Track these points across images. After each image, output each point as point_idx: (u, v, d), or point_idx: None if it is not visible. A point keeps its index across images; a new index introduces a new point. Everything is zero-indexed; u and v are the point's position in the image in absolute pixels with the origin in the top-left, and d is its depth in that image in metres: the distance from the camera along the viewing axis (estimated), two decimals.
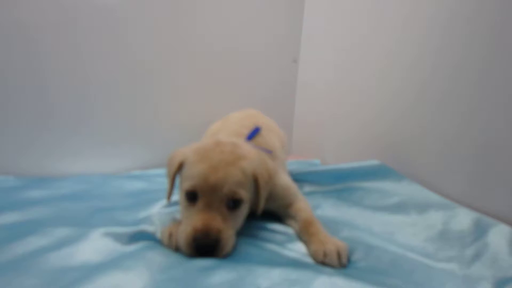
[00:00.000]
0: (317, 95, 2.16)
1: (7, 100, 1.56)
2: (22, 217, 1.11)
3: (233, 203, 0.97)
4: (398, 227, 1.17)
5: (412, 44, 1.53)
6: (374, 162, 1.57)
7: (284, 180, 1.26)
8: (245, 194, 0.98)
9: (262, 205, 1.06)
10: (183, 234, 0.91)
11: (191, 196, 0.96)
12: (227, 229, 0.93)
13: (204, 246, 0.88)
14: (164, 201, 1.27)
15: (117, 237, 0.96)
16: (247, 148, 1.09)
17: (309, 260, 0.95)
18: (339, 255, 0.93)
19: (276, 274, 0.81)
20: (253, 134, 1.31)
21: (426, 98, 1.48)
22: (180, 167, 1.03)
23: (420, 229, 1.15)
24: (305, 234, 1.06)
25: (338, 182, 1.56)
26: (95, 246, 0.90)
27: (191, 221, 0.92)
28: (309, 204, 1.25)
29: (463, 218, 1.16)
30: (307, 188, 1.58)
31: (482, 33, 1.25)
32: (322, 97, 2.12)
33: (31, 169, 1.64)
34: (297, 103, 2.33)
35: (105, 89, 1.77)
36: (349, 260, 0.96)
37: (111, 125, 1.81)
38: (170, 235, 0.98)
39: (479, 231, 1.09)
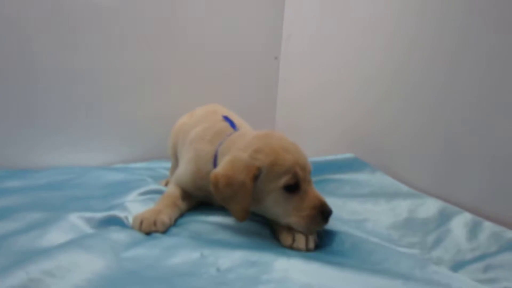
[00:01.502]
0: (296, 91, 2.20)
1: None
2: None
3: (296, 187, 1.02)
4: (366, 215, 1.21)
5: (383, 38, 1.57)
6: (348, 155, 1.61)
7: None
8: None
9: None
10: (303, 220, 0.97)
11: (292, 188, 0.99)
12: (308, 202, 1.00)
13: (330, 214, 0.99)
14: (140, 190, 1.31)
15: (87, 221, 0.99)
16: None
17: (272, 242, 0.98)
18: (307, 240, 0.96)
19: (238, 255, 0.84)
20: (232, 123, 1.32)
21: (396, 92, 1.52)
22: (256, 176, 0.99)
23: (387, 217, 1.18)
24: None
25: (314, 174, 1.59)
26: (63, 229, 0.92)
27: (305, 205, 0.98)
28: None
29: (429, 207, 1.19)
30: None
31: (451, 30, 1.29)
32: (300, 92, 2.16)
33: (17, 162, 1.66)
34: (278, 99, 2.36)
35: (89, 86, 1.79)
36: (316, 246, 0.98)
37: (94, 120, 1.84)
38: (141, 221, 1.01)
39: (442, 219, 1.12)
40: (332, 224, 1.11)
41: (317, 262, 0.81)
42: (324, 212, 0.98)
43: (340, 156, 1.62)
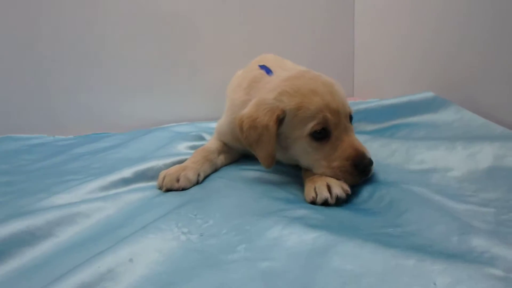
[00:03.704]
0: (376, 27, 1.85)
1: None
2: (50, 168, 1.22)
3: (351, 120, 0.93)
4: (435, 163, 0.94)
5: None
6: (427, 94, 1.28)
7: None
8: None
9: None
10: (335, 171, 0.84)
11: (321, 135, 0.86)
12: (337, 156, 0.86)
13: (368, 166, 0.85)
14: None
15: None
16: None
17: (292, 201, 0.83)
18: (330, 190, 0.80)
19: (234, 220, 0.73)
20: (267, 70, 1.18)
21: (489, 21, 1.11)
22: (280, 119, 0.89)
23: (464, 166, 0.89)
24: (305, 175, 0.93)
25: (385, 119, 1.34)
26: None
27: (337, 155, 0.85)
28: None
29: None
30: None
31: None
32: (381, 29, 1.81)
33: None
34: (356, 39, 2.04)
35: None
36: (350, 198, 0.82)
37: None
38: (164, 177, 0.97)
39: None
40: (384, 177, 0.90)
41: (321, 230, 0.64)
42: (359, 165, 0.82)
43: (416, 95, 1.30)
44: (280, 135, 0.90)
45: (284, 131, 0.90)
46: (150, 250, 0.62)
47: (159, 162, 1.08)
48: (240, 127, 0.92)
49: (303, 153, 0.90)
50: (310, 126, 0.85)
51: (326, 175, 0.86)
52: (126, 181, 1.00)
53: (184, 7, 1.86)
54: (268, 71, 1.15)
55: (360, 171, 0.83)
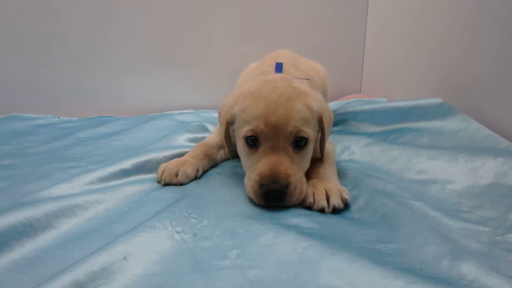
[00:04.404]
0: (388, 26, 1.81)
1: None
2: (52, 152, 1.24)
3: (299, 143, 0.85)
4: (435, 175, 0.93)
5: None
6: (435, 100, 1.25)
7: None
8: (311, 133, 0.86)
9: (324, 149, 0.94)
10: (249, 183, 0.83)
11: (252, 142, 0.86)
12: (296, 172, 0.82)
13: (274, 192, 0.77)
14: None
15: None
16: (304, 84, 0.97)
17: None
18: (328, 199, 0.80)
19: (228, 222, 0.74)
20: (279, 69, 1.16)
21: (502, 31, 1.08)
22: (234, 114, 0.92)
23: (464, 180, 0.89)
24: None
25: (390, 122, 1.32)
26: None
27: (256, 168, 0.83)
28: (332, 146, 1.11)
29: None
30: (354, 127, 1.41)
31: None
32: (392, 29, 1.77)
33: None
34: (367, 36, 2.00)
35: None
36: (348, 206, 0.82)
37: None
38: (163, 171, 0.98)
39: None
40: (382, 185, 0.90)
41: (310, 239, 0.64)
42: (264, 186, 0.78)
43: (424, 100, 1.28)
44: (234, 131, 0.95)
45: (235, 128, 0.93)
46: (145, 249, 0.63)
47: (159, 155, 1.08)
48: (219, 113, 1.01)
49: (240, 153, 0.93)
50: (245, 130, 0.86)
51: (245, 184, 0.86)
52: (125, 173, 1.00)
53: None
54: (279, 69, 1.14)
55: (263, 193, 0.78)
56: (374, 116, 1.39)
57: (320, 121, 0.90)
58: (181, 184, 0.96)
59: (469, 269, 0.51)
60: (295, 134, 0.84)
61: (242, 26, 1.91)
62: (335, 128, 1.45)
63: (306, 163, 0.89)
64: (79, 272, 0.56)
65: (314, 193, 0.82)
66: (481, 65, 1.21)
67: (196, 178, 1.01)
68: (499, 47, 1.12)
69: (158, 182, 0.98)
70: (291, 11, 1.93)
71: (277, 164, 0.80)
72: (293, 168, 0.81)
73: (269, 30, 1.93)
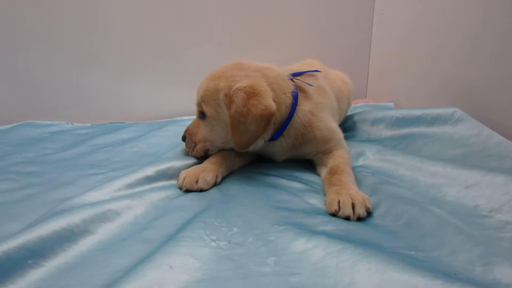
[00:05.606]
0: (394, 30, 1.85)
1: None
2: (72, 160, 1.26)
3: (202, 114, 1.08)
4: (450, 180, 0.96)
5: None
6: (449, 109, 1.28)
7: (327, 124, 1.14)
8: (208, 110, 1.05)
9: (234, 138, 1.00)
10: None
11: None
12: (197, 134, 1.12)
13: (183, 139, 1.17)
14: None
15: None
16: (253, 74, 1.03)
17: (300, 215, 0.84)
18: (353, 207, 0.83)
19: (256, 229, 0.76)
20: (297, 74, 1.19)
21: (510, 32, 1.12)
22: None
23: (483, 185, 0.91)
24: (326, 184, 0.96)
25: (404, 126, 1.36)
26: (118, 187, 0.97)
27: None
28: (349, 153, 1.14)
29: None
30: (365, 133, 1.44)
31: None
32: (398, 32, 1.81)
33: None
34: (373, 40, 2.04)
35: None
36: (370, 214, 0.85)
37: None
38: (184, 178, 1.01)
39: None
40: (399, 191, 0.93)
41: (343, 242, 0.67)
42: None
43: (435, 109, 1.31)
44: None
45: None
46: (186, 257, 0.65)
47: (180, 163, 1.10)
48: None
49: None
50: None
51: None
52: (149, 179, 1.02)
53: None
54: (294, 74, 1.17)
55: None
56: (385, 122, 1.42)
57: (229, 104, 0.99)
58: (201, 190, 0.99)
59: (503, 273, 0.54)
60: (199, 107, 1.08)
61: (250, 32, 1.94)
62: (346, 134, 1.48)
63: (207, 134, 1.10)
64: (134, 285, 0.57)
65: (339, 201, 0.85)
66: (489, 69, 1.25)
67: (215, 184, 1.04)
68: (507, 50, 1.15)
69: (180, 188, 1.01)
70: (295, 15, 1.96)
71: (191, 124, 1.17)
72: (196, 130, 1.13)
73: (276, 35, 1.96)
